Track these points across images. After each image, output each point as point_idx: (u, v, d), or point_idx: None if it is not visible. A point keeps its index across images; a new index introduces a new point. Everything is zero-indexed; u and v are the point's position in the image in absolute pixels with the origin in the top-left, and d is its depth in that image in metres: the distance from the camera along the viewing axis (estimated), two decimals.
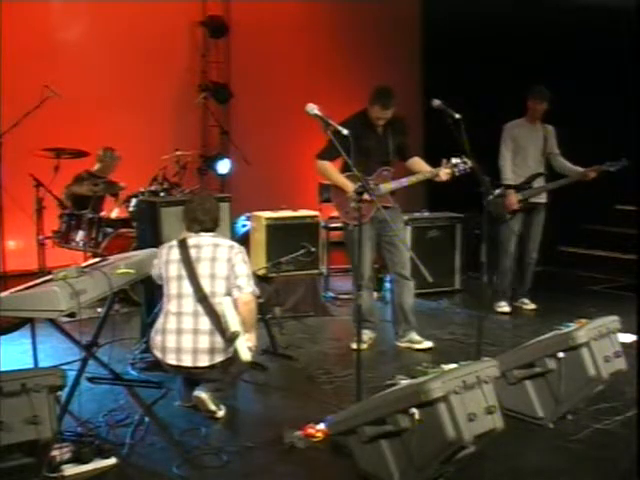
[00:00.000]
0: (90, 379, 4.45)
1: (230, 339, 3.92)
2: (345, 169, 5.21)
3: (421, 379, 3.37)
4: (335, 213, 6.03)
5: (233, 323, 3.93)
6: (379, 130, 5.30)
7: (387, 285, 7.14)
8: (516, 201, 6.24)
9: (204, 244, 4.11)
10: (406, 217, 6.21)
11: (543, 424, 3.94)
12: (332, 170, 5.29)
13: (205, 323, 3.97)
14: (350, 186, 5.12)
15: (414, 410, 3.09)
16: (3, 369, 3.37)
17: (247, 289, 4.07)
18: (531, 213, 6.34)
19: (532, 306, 6.55)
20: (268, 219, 6.44)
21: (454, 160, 5.11)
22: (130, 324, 5.64)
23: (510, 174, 6.29)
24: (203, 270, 4.04)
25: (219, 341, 3.97)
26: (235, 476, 3.52)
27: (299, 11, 9.36)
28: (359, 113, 5.32)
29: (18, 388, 3.05)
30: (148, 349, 4.90)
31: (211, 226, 4.22)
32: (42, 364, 4.36)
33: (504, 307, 6.43)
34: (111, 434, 3.84)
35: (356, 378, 3.95)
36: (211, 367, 4.00)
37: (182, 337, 4.00)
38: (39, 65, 7.45)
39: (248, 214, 7.15)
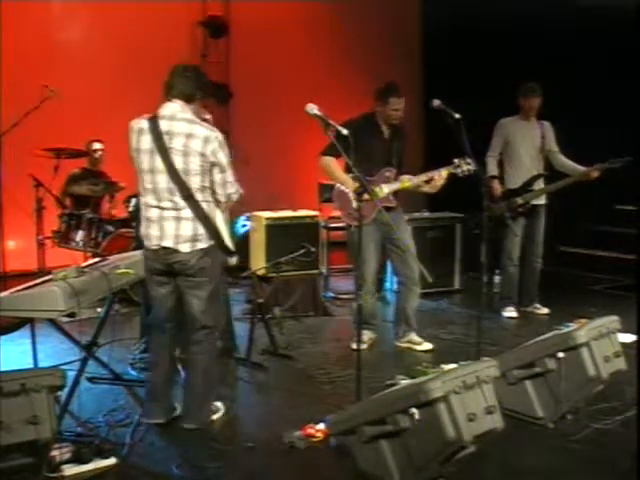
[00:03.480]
0: (90, 379, 4.45)
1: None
2: (348, 169, 5.21)
3: (421, 379, 3.37)
4: (335, 213, 6.04)
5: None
6: (385, 132, 5.31)
7: (387, 285, 7.17)
8: (500, 188, 6.21)
9: (176, 131, 3.73)
10: (406, 217, 6.19)
11: (543, 424, 3.94)
12: (335, 167, 5.28)
13: (185, 212, 3.78)
14: (351, 184, 5.12)
15: (414, 410, 3.09)
16: (3, 369, 3.38)
17: (222, 199, 3.94)
18: (532, 216, 6.28)
19: (545, 310, 6.42)
20: (268, 219, 6.44)
21: (454, 165, 5.08)
22: (130, 324, 5.64)
23: (493, 166, 6.25)
24: (177, 165, 3.73)
25: (201, 231, 3.80)
26: (235, 476, 3.52)
27: (299, 11, 9.37)
28: (366, 114, 5.35)
29: (18, 388, 3.05)
30: (148, 349, 4.91)
31: (181, 93, 3.78)
32: (42, 364, 4.36)
33: (511, 312, 6.36)
34: (111, 434, 3.83)
35: (356, 378, 3.95)
36: (191, 256, 3.81)
37: (165, 223, 3.81)
38: (39, 65, 7.46)
39: (248, 214, 7.16)
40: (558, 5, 7.69)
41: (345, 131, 4.04)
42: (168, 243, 3.80)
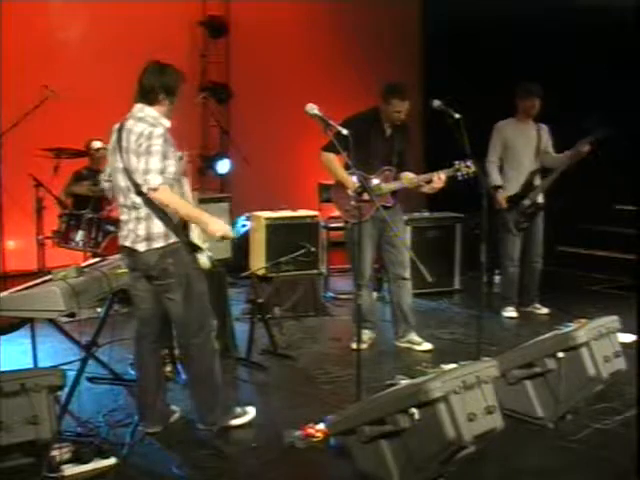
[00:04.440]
0: (90, 379, 4.46)
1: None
2: (349, 168, 5.21)
3: (421, 379, 3.37)
4: (335, 213, 6.04)
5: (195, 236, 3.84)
6: (387, 130, 5.30)
7: (386, 285, 7.16)
8: (504, 198, 6.15)
9: (125, 128, 3.75)
10: (406, 217, 6.20)
11: (543, 424, 3.94)
12: (336, 164, 5.28)
13: (142, 211, 3.73)
14: (350, 183, 5.12)
15: (414, 410, 3.09)
16: (3, 369, 3.38)
17: (144, 187, 3.65)
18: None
19: (545, 310, 6.42)
20: (268, 219, 6.44)
21: (454, 168, 5.06)
22: (130, 324, 5.62)
23: (496, 175, 6.20)
24: (125, 162, 3.73)
25: (156, 230, 3.70)
26: (235, 476, 3.53)
27: (299, 11, 9.37)
28: (370, 110, 5.32)
29: (17, 388, 3.05)
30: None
31: (144, 94, 3.81)
32: (42, 364, 4.36)
33: (511, 312, 6.36)
34: (111, 434, 3.84)
35: (356, 378, 3.95)
36: (147, 256, 3.75)
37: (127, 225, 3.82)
38: (39, 65, 7.46)
39: (248, 214, 7.15)
40: (558, 6, 7.68)
41: (345, 131, 4.04)
42: (128, 242, 3.79)
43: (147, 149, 3.64)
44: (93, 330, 4.29)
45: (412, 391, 3.17)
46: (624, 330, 4.38)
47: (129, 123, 3.75)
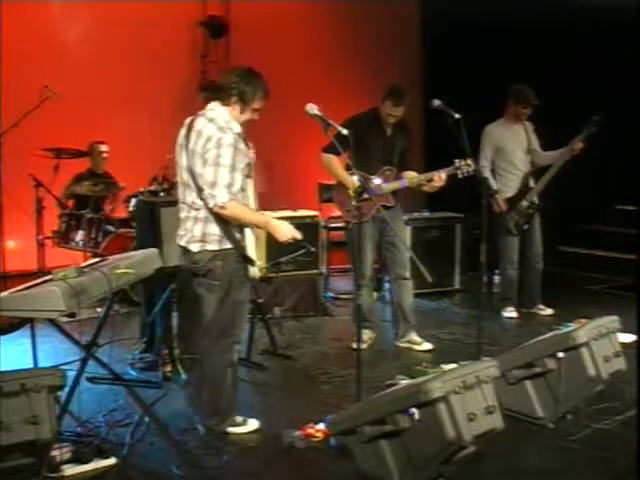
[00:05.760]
0: (90, 379, 4.44)
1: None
2: (349, 168, 5.21)
3: (421, 379, 3.37)
4: (336, 213, 6.04)
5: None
6: (388, 130, 5.30)
7: (387, 285, 7.16)
8: (503, 202, 6.13)
9: (194, 128, 3.76)
10: (406, 217, 6.20)
11: (543, 424, 3.94)
12: (336, 165, 5.28)
13: (201, 212, 3.75)
14: (351, 183, 5.12)
15: (414, 410, 3.09)
16: (3, 369, 3.38)
17: (210, 202, 3.67)
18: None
19: (549, 311, 6.39)
20: None
21: (454, 167, 5.05)
22: (130, 324, 5.64)
23: (491, 180, 6.08)
24: (189, 162, 3.75)
25: (211, 231, 3.74)
26: (235, 476, 3.53)
27: (299, 11, 9.37)
28: (370, 110, 5.33)
29: (18, 388, 3.05)
30: (148, 349, 4.91)
31: (220, 91, 3.82)
32: (42, 364, 4.34)
33: (511, 312, 6.35)
34: (111, 434, 3.83)
35: (356, 378, 3.95)
36: (200, 256, 3.78)
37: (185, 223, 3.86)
38: (39, 65, 7.47)
39: None
40: (558, 5, 7.68)
41: (345, 131, 4.04)
42: (183, 242, 3.83)
43: (216, 160, 3.63)
44: (93, 330, 4.28)
45: (412, 391, 3.17)
46: (624, 330, 4.38)
47: (199, 123, 3.74)
